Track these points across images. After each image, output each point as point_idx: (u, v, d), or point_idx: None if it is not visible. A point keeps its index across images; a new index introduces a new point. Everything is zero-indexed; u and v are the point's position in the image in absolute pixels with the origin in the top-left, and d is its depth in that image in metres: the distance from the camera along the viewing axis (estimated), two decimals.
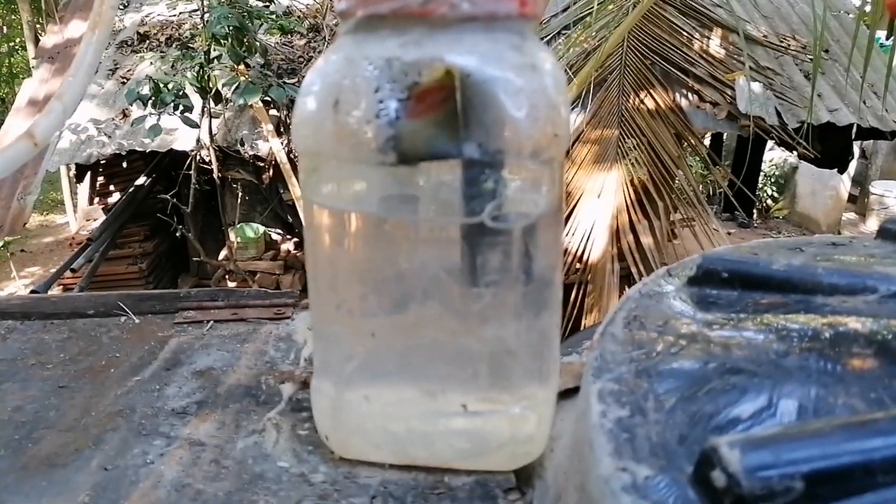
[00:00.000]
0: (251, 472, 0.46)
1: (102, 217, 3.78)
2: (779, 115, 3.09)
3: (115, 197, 4.00)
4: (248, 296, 0.71)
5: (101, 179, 4.02)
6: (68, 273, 3.22)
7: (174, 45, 3.44)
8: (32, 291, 3.05)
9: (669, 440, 0.37)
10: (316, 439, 0.49)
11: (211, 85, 2.80)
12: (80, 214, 4.18)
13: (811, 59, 3.01)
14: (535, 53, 0.40)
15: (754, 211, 6.11)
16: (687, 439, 0.37)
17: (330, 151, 0.40)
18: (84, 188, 4.05)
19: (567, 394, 0.53)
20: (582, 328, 2.75)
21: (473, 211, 0.39)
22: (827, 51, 3.26)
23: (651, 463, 0.35)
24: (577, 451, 0.41)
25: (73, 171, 4.12)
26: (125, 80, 3.47)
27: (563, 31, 3.01)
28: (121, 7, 3.99)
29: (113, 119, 3.36)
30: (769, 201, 6.74)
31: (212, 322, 0.68)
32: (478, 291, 0.41)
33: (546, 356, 0.45)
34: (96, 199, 4.05)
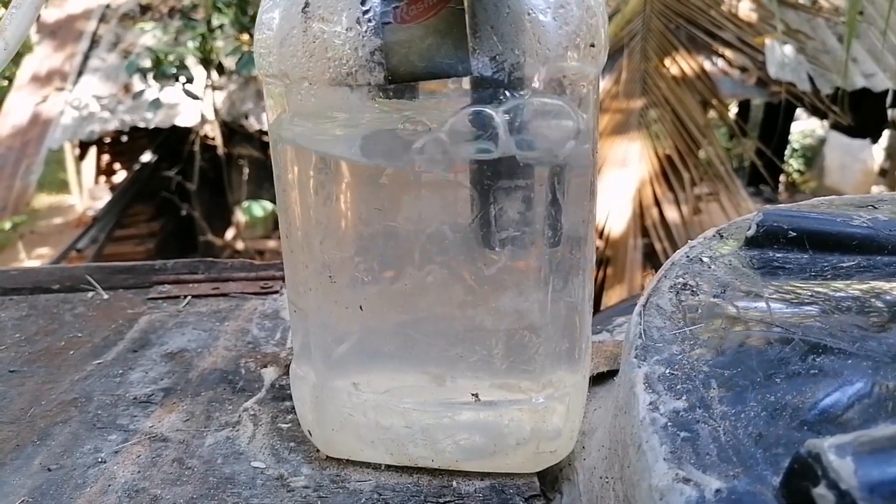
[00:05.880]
0: (219, 475, 0.38)
1: (108, 196, 3.72)
2: (811, 80, 2.94)
3: (120, 175, 3.93)
4: (232, 268, 0.63)
5: (105, 157, 3.95)
6: (75, 254, 3.17)
7: (177, 17, 3.35)
8: None
9: (743, 440, 0.28)
10: (299, 434, 0.41)
11: (214, 56, 2.71)
12: (86, 194, 4.13)
13: (845, 22, 2.86)
14: None
15: (780, 185, 5.95)
16: (766, 439, 0.28)
17: (300, 72, 0.31)
18: (89, 167, 3.98)
19: (599, 379, 0.45)
20: (602, 307, 2.66)
21: (485, 147, 0.31)
22: (861, 13, 3.11)
23: (721, 471, 0.27)
24: (619, 452, 0.33)
25: (76, 150, 4.06)
26: (127, 54, 3.38)
27: None
28: None
29: (114, 94, 3.28)
30: (795, 175, 6.56)
31: (189, 297, 0.60)
32: (492, 252, 0.32)
33: (576, 334, 0.36)
34: (101, 178, 3.98)
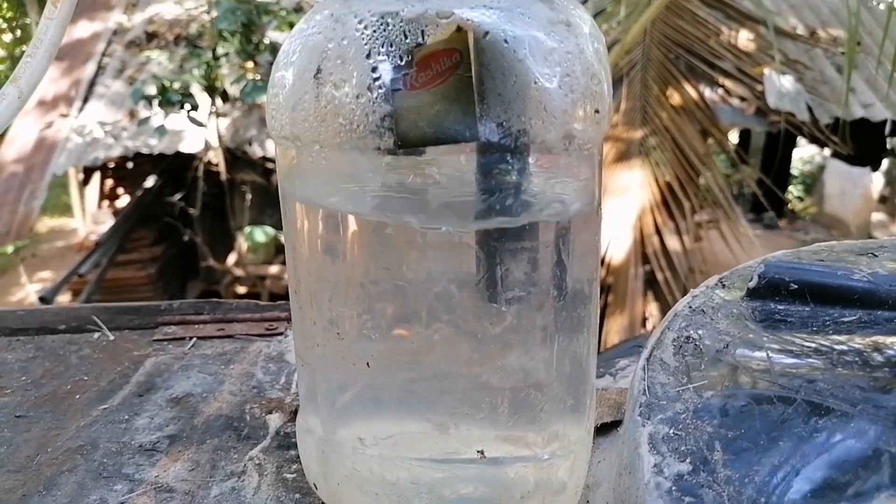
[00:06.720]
0: None
1: (111, 221, 3.73)
2: (810, 110, 2.97)
3: (124, 200, 3.95)
4: (237, 308, 0.64)
5: (108, 182, 3.98)
6: (77, 279, 3.17)
7: (182, 44, 3.39)
8: (40, 298, 3.01)
9: None
10: (305, 485, 0.41)
11: (218, 83, 2.74)
12: (89, 218, 4.15)
13: (843, 52, 2.90)
14: (570, 8, 0.31)
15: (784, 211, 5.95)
16: None
17: (311, 135, 0.32)
18: (92, 191, 4.01)
19: (604, 429, 0.45)
20: (603, 334, 2.66)
21: (492, 209, 0.31)
22: (859, 43, 3.14)
23: None
24: None
25: (80, 175, 4.09)
26: (133, 81, 3.42)
27: None
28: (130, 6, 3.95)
29: (119, 121, 3.31)
30: (795, 201, 6.59)
31: (195, 339, 0.60)
32: (498, 310, 0.33)
33: (581, 390, 0.36)
34: (104, 203, 4.00)
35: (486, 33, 0.29)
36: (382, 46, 0.30)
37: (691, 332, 0.41)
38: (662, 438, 0.32)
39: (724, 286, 0.48)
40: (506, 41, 0.29)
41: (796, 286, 0.44)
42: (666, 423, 0.33)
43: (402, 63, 0.30)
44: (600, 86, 0.31)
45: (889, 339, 0.38)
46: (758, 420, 0.32)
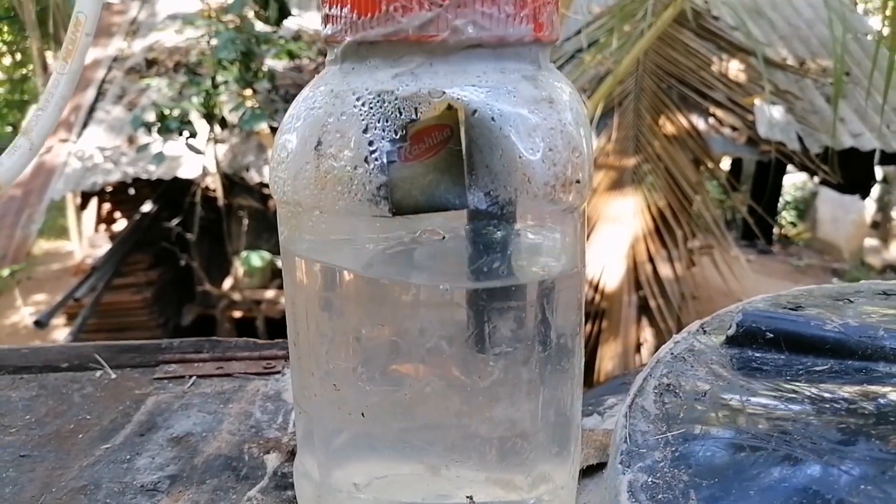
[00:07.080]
0: None
1: (107, 245, 3.75)
2: (800, 140, 3.03)
3: (121, 224, 3.97)
4: (236, 347, 0.65)
5: (106, 206, 4.00)
6: (73, 303, 3.18)
7: (182, 71, 3.44)
8: (35, 322, 3.02)
9: None
10: None
11: (217, 111, 2.78)
12: (85, 242, 4.17)
13: (832, 83, 2.95)
14: (552, 84, 0.34)
15: (773, 237, 6.03)
16: None
17: (312, 202, 0.34)
18: (90, 215, 4.04)
19: (590, 470, 0.47)
20: (597, 360, 2.67)
21: (480, 271, 0.33)
22: (848, 74, 3.20)
23: None
24: None
25: (78, 199, 4.12)
26: (132, 107, 3.46)
27: (577, 55, 2.96)
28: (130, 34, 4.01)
29: (118, 147, 3.34)
30: (788, 227, 6.66)
31: (194, 378, 0.61)
32: (486, 365, 0.35)
33: (565, 438, 0.38)
34: (102, 227, 4.03)
35: (475, 111, 0.31)
36: (379, 122, 0.32)
37: (672, 379, 0.43)
38: (641, 487, 0.34)
39: (705, 332, 0.50)
40: (493, 118, 0.31)
41: (772, 335, 0.46)
42: (645, 471, 0.35)
43: (397, 137, 0.32)
44: (581, 158, 0.34)
45: (857, 388, 0.40)
46: (731, 469, 0.34)
